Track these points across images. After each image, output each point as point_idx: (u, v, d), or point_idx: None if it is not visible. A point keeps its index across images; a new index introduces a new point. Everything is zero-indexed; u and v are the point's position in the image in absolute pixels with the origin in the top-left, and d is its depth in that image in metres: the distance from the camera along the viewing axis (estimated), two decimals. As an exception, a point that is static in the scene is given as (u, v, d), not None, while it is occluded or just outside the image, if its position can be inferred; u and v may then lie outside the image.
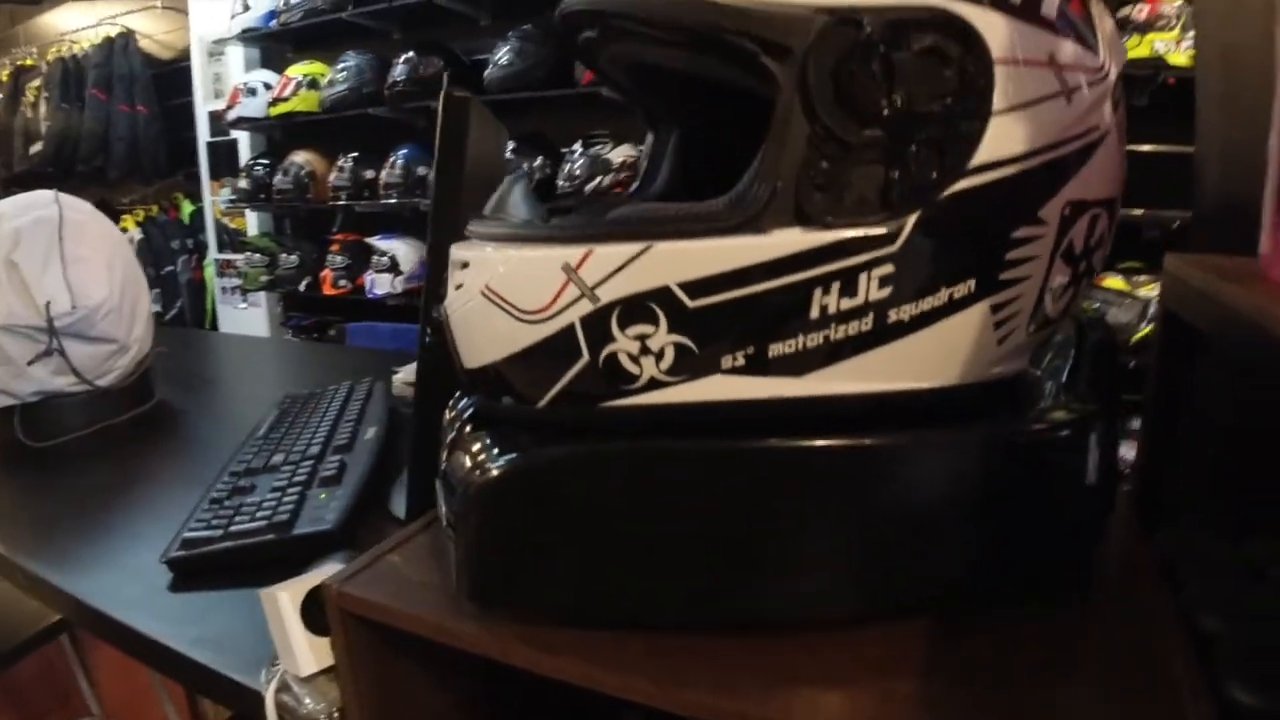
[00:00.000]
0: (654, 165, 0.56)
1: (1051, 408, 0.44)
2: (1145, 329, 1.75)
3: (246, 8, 3.00)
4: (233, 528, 0.70)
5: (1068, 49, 0.38)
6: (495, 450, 0.43)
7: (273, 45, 3.23)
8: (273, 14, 2.94)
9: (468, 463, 0.44)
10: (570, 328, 0.39)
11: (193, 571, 0.68)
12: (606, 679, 0.40)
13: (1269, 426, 0.50)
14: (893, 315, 0.38)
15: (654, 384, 0.39)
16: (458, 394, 0.53)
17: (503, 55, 2.41)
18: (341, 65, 2.71)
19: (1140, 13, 1.77)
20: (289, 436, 0.94)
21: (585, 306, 0.39)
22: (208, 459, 0.92)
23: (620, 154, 2.50)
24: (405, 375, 1.11)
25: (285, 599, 0.51)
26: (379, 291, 2.66)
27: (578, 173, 2.45)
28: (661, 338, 0.38)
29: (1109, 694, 0.37)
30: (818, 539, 0.41)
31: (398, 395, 1.12)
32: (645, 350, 0.39)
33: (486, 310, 0.41)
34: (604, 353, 0.39)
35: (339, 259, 2.80)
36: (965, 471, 0.41)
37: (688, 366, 0.39)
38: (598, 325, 0.39)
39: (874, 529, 0.41)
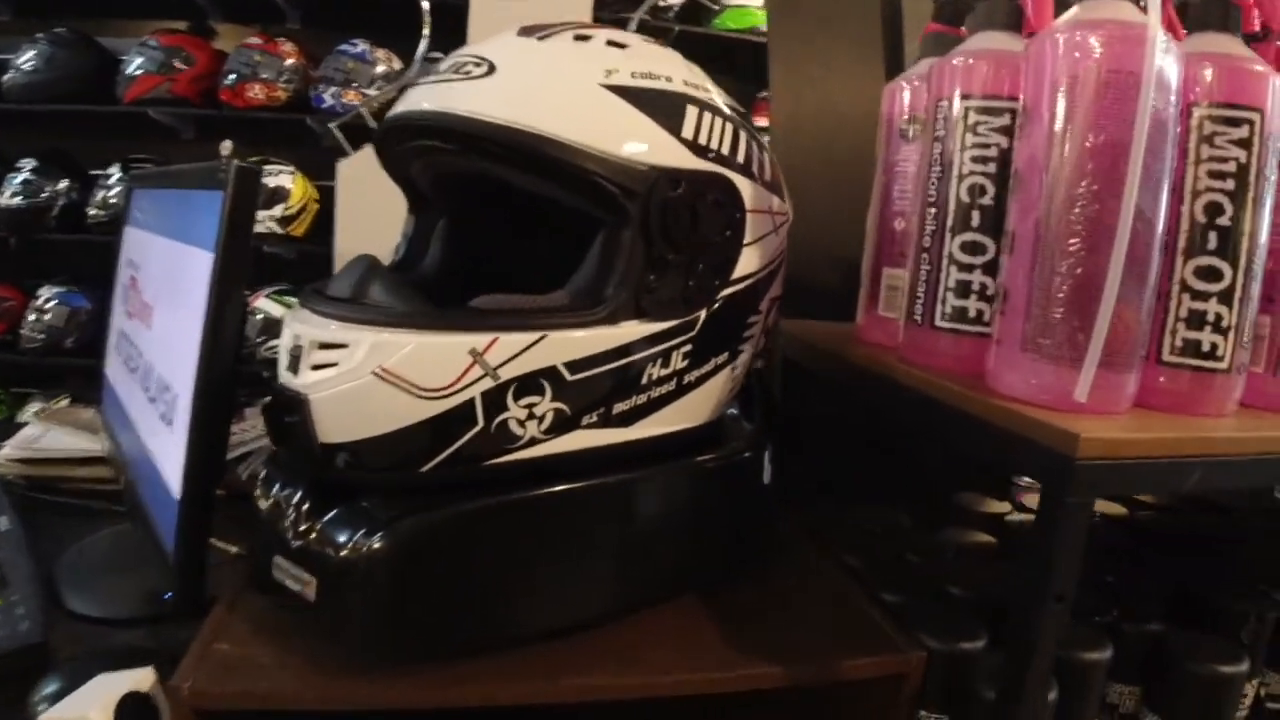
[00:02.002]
0: (419, 244, 0.61)
1: (741, 436, 0.61)
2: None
3: None
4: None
5: (775, 201, 0.56)
6: (376, 519, 0.45)
7: None
8: None
9: (342, 535, 0.45)
10: (470, 402, 0.44)
11: None
12: (503, 692, 0.46)
13: (858, 435, 0.76)
14: (687, 378, 0.52)
15: (532, 442, 0.47)
16: (263, 475, 0.52)
17: (27, 59, 1.96)
18: None
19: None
20: None
21: (487, 384, 0.44)
22: None
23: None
24: (13, 451, 0.89)
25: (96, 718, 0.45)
26: None
27: (114, 200, 2.10)
28: (545, 405, 0.46)
29: (816, 601, 0.57)
30: (641, 545, 0.53)
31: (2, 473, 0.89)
32: (531, 415, 0.46)
33: (376, 389, 0.44)
34: (496, 420, 0.45)
35: None
36: (710, 482, 0.57)
37: (560, 425, 0.47)
38: (496, 398, 0.45)
39: (673, 528, 0.54)
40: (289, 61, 2.01)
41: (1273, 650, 0.58)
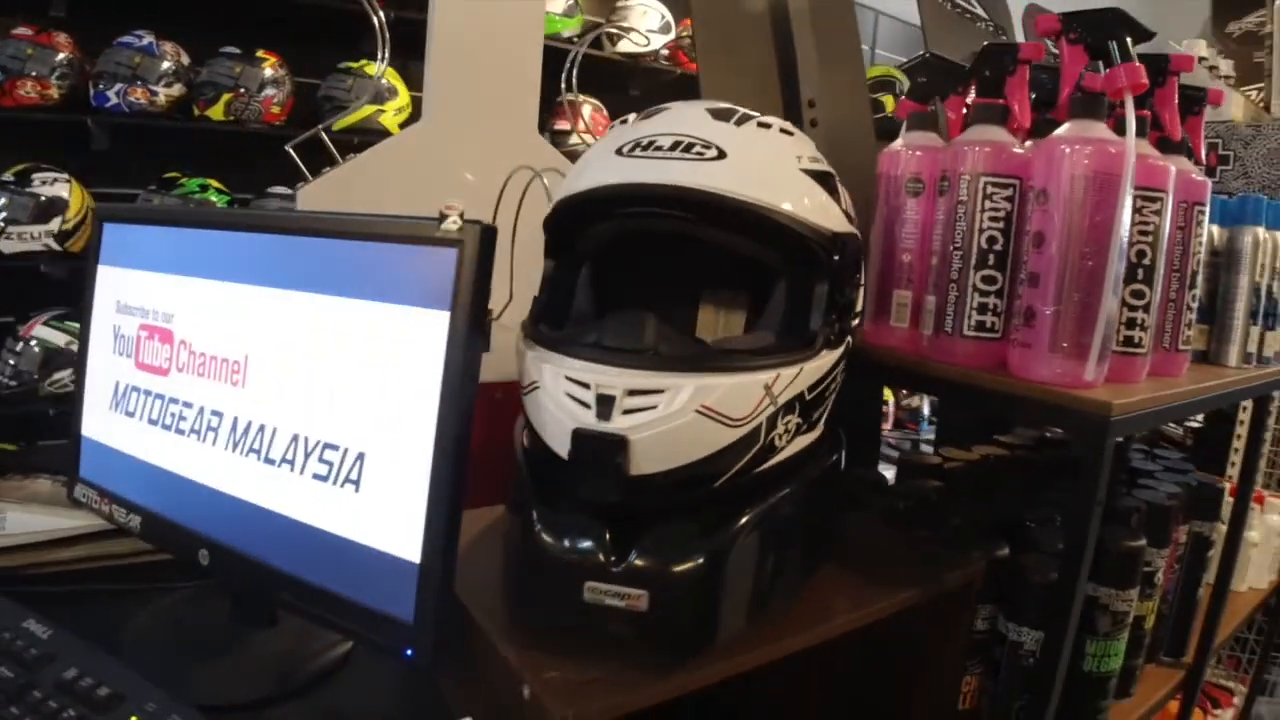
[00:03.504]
0: (563, 288, 0.66)
1: (828, 439, 0.75)
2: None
3: None
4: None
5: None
6: (696, 534, 0.53)
7: None
8: None
9: (673, 551, 0.52)
10: (759, 425, 0.54)
11: None
12: (778, 649, 0.57)
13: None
14: (837, 387, 0.66)
15: (780, 450, 0.57)
16: (537, 517, 0.54)
17: None
18: None
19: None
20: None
21: (770, 409, 0.54)
22: None
23: None
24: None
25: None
26: None
27: None
28: (793, 420, 0.57)
29: (886, 543, 0.74)
30: (818, 523, 0.65)
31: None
32: (785, 430, 0.57)
33: (697, 424, 0.51)
34: (769, 437, 0.55)
35: None
36: (838, 469, 0.71)
37: (794, 434, 0.58)
38: (772, 419, 0.55)
39: (827, 506, 0.68)
40: (62, 55, 1.65)
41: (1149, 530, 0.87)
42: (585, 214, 0.60)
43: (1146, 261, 0.72)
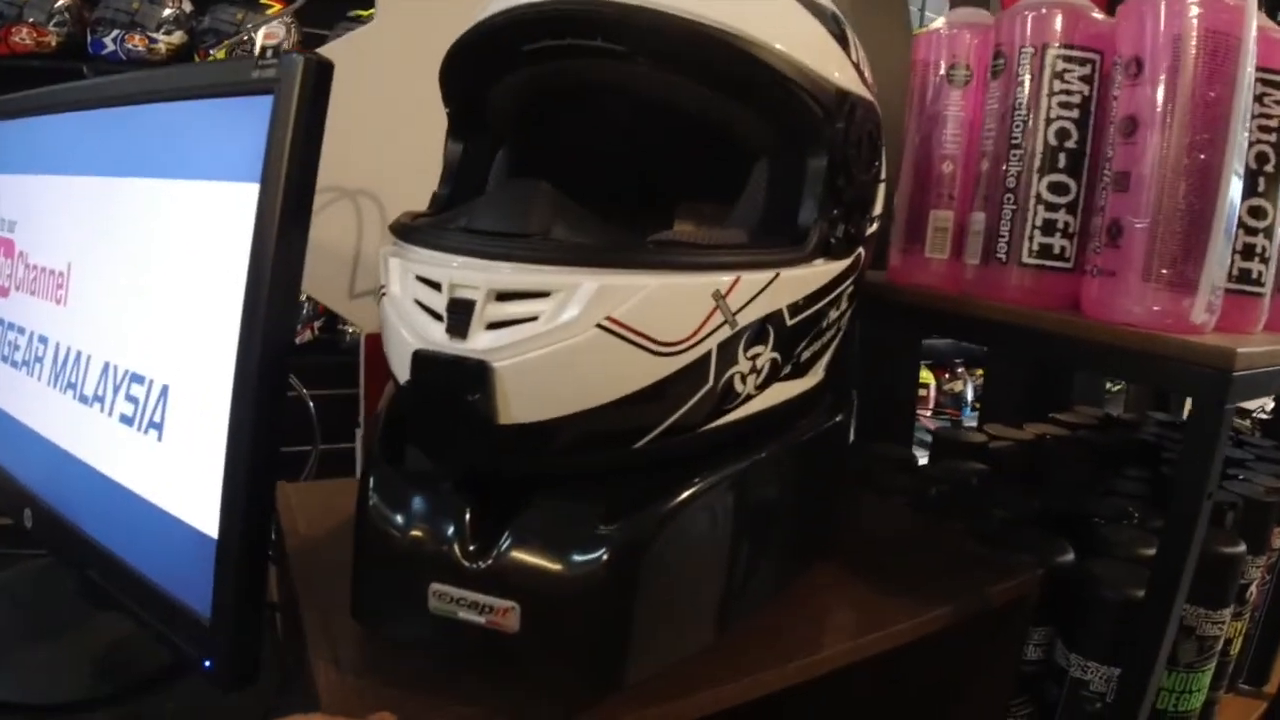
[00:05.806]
0: (471, 175, 0.47)
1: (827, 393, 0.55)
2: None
3: None
4: None
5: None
6: (596, 518, 0.34)
7: None
8: None
9: (559, 545, 0.33)
10: (706, 356, 0.35)
11: None
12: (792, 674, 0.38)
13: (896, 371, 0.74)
14: (843, 322, 0.46)
15: (746, 399, 0.38)
16: (374, 481, 0.36)
17: None
18: None
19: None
20: None
21: (725, 333, 0.35)
22: None
23: None
24: None
25: None
26: None
27: None
28: (766, 355, 0.38)
29: (913, 542, 0.55)
30: (805, 507, 0.46)
31: None
32: (753, 368, 0.37)
33: (599, 347, 0.32)
34: (725, 376, 0.36)
35: None
36: (839, 437, 0.51)
37: (769, 378, 0.39)
38: (729, 350, 0.36)
39: (820, 486, 0.48)
40: (61, 1, 1.53)
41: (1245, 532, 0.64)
42: (483, 62, 0.41)
43: (1269, 168, 0.50)
